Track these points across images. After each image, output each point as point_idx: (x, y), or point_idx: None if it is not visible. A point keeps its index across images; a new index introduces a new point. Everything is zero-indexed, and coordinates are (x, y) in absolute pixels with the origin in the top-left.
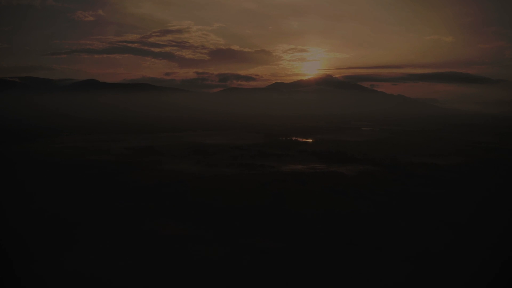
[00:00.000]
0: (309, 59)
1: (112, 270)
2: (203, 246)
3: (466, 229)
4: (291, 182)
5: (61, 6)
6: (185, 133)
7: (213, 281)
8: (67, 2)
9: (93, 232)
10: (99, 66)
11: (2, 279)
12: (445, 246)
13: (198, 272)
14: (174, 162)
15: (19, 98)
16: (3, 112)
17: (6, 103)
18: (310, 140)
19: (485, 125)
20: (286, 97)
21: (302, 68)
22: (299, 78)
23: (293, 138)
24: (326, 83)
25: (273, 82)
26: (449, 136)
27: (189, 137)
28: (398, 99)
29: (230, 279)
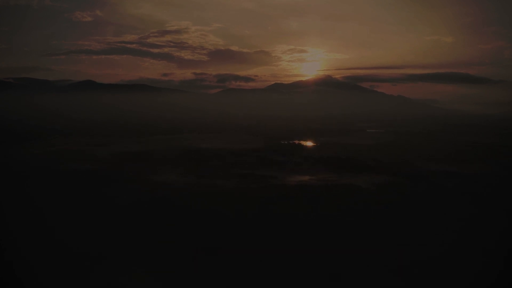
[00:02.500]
0: (309, 59)
1: None
2: None
3: None
4: (299, 200)
5: (59, 6)
6: (180, 136)
7: None
8: (65, 2)
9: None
10: (98, 67)
11: None
12: None
13: None
14: (163, 172)
15: (14, 99)
16: None
17: (1, 104)
18: (315, 144)
19: (489, 125)
20: (285, 98)
21: (301, 69)
22: (298, 79)
23: (296, 142)
24: (326, 84)
25: (272, 83)
26: (460, 139)
27: (184, 140)
28: (398, 99)
29: None
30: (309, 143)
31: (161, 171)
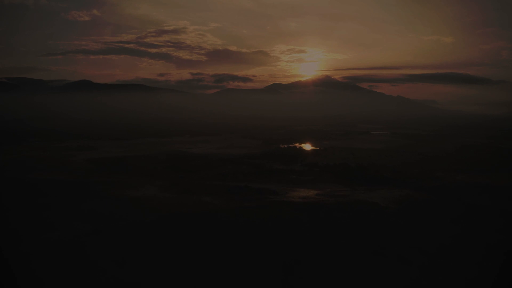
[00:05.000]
0: (307, 60)
1: None
2: None
3: None
4: (305, 228)
5: (55, 6)
6: (170, 139)
7: None
8: (61, 1)
9: None
10: (96, 67)
11: None
12: None
13: None
14: (141, 184)
15: (9, 99)
16: None
17: None
18: (318, 148)
19: (489, 125)
20: (284, 99)
21: (300, 69)
22: (297, 79)
23: (297, 146)
24: (325, 84)
25: (271, 83)
26: (467, 141)
27: (174, 145)
28: (398, 100)
29: None
30: (311, 147)
31: (136, 183)
